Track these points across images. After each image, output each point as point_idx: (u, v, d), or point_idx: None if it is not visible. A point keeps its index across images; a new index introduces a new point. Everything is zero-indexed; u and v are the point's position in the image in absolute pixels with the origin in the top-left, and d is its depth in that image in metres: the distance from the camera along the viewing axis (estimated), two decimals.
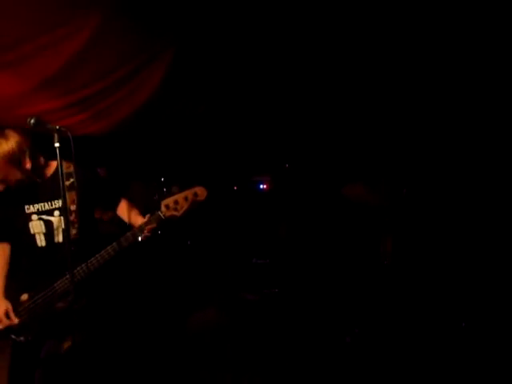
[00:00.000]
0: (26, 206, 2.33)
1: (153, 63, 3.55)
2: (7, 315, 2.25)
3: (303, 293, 5.14)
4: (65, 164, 2.33)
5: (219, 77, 4.11)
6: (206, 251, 5.76)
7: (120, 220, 2.63)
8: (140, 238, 2.36)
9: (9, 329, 2.27)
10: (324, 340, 4.01)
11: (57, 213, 2.36)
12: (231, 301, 3.89)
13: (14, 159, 2.17)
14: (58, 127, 1.99)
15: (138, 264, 4.83)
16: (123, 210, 2.57)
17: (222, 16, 3.34)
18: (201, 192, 2.40)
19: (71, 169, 2.32)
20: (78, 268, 2.25)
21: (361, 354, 3.71)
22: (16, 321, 2.25)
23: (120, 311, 3.79)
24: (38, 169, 2.33)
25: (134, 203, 2.64)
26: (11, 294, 2.32)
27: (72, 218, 2.31)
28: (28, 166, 2.25)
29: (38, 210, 2.35)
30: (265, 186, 6.34)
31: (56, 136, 1.99)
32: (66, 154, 2.05)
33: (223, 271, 4.75)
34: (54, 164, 2.42)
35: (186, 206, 2.37)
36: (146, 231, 2.33)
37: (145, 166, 5.81)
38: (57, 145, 1.99)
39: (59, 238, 2.35)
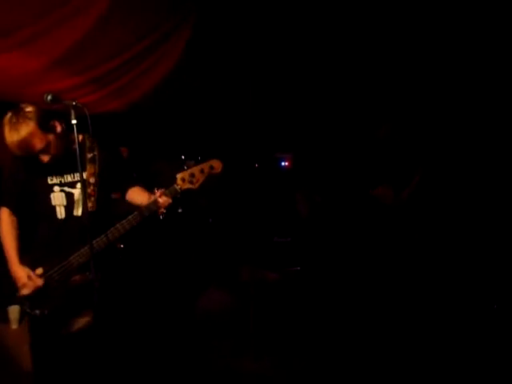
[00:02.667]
0: (49, 178, 2.33)
1: (171, 37, 3.46)
2: (30, 278, 2.24)
3: (325, 271, 5.09)
4: (88, 138, 2.37)
5: (240, 50, 4.00)
6: (227, 229, 5.74)
7: None
8: (160, 215, 2.32)
9: (24, 302, 2.27)
10: (346, 321, 3.96)
11: (79, 185, 2.33)
12: (252, 279, 3.86)
13: (45, 125, 2.15)
14: (74, 103, 1.95)
15: (158, 240, 4.84)
16: (137, 193, 2.51)
17: None
18: (217, 165, 2.39)
19: (95, 143, 2.34)
20: (98, 239, 2.24)
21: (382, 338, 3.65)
22: (40, 282, 2.24)
23: (135, 288, 3.81)
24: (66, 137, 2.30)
25: (160, 181, 2.60)
26: (26, 266, 2.30)
27: (90, 190, 2.30)
28: (59, 129, 2.25)
29: (60, 181, 2.34)
30: (287, 164, 6.26)
31: (73, 113, 1.95)
32: (85, 129, 2.02)
33: (244, 249, 4.72)
34: (78, 137, 2.39)
35: (202, 179, 2.35)
36: (161, 204, 2.29)
37: (166, 144, 5.78)
38: (74, 122, 1.97)
39: (78, 211, 2.34)
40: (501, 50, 3.49)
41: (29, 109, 2.13)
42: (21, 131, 2.07)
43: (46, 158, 2.24)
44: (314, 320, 4.06)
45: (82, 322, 2.37)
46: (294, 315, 4.21)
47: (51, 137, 2.19)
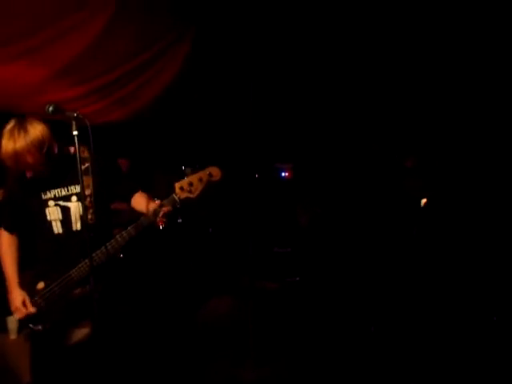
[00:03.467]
0: (43, 193, 2.29)
1: (172, 49, 3.50)
2: (24, 304, 2.23)
3: (324, 282, 5.08)
4: (82, 149, 2.28)
5: (240, 61, 4.02)
6: (227, 239, 5.73)
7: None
8: (159, 225, 2.29)
9: (26, 318, 2.26)
10: (346, 329, 3.95)
11: (74, 198, 2.31)
12: (251, 289, 3.85)
13: (42, 145, 2.13)
14: (76, 114, 1.94)
15: (159, 251, 4.84)
16: (139, 201, 2.47)
17: None
18: (215, 172, 2.32)
19: (86, 154, 2.28)
20: (98, 251, 2.21)
21: (383, 346, 3.63)
22: (33, 310, 2.23)
23: (136, 298, 3.80)
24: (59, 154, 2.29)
25: (157, 193, 2.58)
26: (28, 283, 2.30)
27: (87, 202, 2.25)
28: (56, 150, 2.22)
29: (54, 195, 2.30)
30: (287, 174, 6.26)
31: (74, 124, 1.95)
32: (82, 140, 2.01)
33: (244, 260, 4.72)
34: (69, 150, 2.37)
35: (200, 188, 2.29)
36: (160, 214, 2.25)
37: (166, 155, 5.79)
38: (75, 133, 1.94)
39: (77, 225, 2.31)
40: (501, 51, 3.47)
41: (33, 128, 2.10)
42: (17, 143, 2.04)
43: (30, 174, 2.22)
44: (312, 330, 4.04)
45: (81, 333, 2.35)
46: (293, 325, 4.19)
47: (45, 157, 2.14)
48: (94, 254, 2.19)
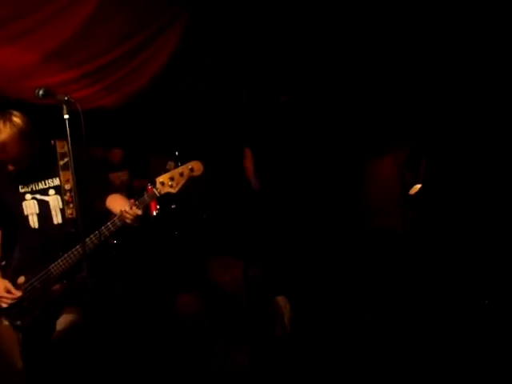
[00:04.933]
0: (20, 186, 2.29)
1: (165, 32, 3.43)
2: (8, 291, 2.22)
3: (318, 266, 5.10)
4: (59, 143, 2.32)
5: (235, 46, 3.98)
6: (221, 226, 5.72)
7: None
8: (128, 223, 2.24)
9: (5, 313, 2.26)
10: (340, 315, 3.98)
11: (52, 192, 2.30)
12: (245, 276, 3.85)
13: (28, 136, 2.11)
14: (66, 98, 1.91)
15: (153, 237, 4.83)
16: (113, 200, 2.45)
17: None
18: (197, 167, 2.30)
19: (65, 148, 2.27)
20: (78, 246, 2.19)
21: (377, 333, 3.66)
22: (19, 294, 2.21)
23: (127, 286, 3.81)
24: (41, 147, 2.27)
25: (148, 181, 2.57)
26: (8, 276, 2.28)
27: (67, 197, 2.26)
28: (36, 147, 2.21)
29: (31, 189, 2.29)
30: None
31: (65, 107, 1.92)
32: (61, 134, 1.98)
33: (238, 246, 4.73)
34: (49, 143, 2.37)
35: (181, 182, 2.28)
36: (129, 221, 2.21)
37: (160, 141, 5.75)
38: (66, 116, 1.91)
39: (58, 218, 2.30)
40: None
41: (17, 118, 2.09)
42: (3, 134, 2.04)
43: (11, 168, 2.19)
44: (306, 314, 4.06)
45: (65, 321, 2.35)
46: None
47: (26, 152, 2.14)
48: (73, 249, 2.18)
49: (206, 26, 3.58)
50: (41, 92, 1.94)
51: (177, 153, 5.23)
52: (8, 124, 2.05)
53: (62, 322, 2.33)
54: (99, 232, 2.21)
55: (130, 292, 2.65)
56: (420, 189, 4.43)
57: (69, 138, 1.92)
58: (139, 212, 2.22)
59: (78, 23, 2.82)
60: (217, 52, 4.07)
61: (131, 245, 4.15)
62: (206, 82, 4.57)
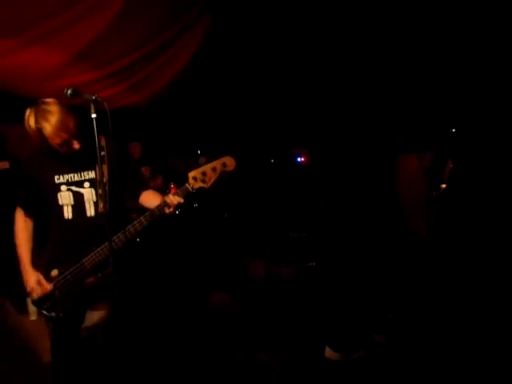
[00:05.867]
0: (56, 176, 2.28)
1: (189, 32, 3.46)
2: (39, 283, 2.25)
3: (340, 267, 5.06)
4: (98, 136, 2.30)
5: (257, 44, 3.97)
6: (242, 224, 5.74)
7: None
8: (166, 212, 2.25)
9: (40, 304, 2.28)
10: (362, 316, 3.94)
11: (87, 184, 2.30)
12: (267, 274, 3.86)
13: (73, 111, 2.12)
14: (94, 97, 1.94)
15: (175, 236, 4.86)
16: (148, 196, 2.45)
17: None
18: (229, 162, 2.26)
19: (103, 142, 2.27)
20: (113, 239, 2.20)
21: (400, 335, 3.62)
22: (49, 287, 2.24)
23: (152, 283, 3.83)
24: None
25: (171, 177, 2.56)
26: (42, 267, 2.31)
27: (101, 190, 2.25)
28: (83, 122, 2.18)
29: (67, 180, 2.29)
30: (303, 159, 6.21)
31: (92, 106, 1.94)
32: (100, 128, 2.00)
33: (259, 245, 4.73)
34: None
35: (214, 177, 2.25)
36: (168, 211, 2.23)
37: (181, 138, 5.79)
38: (93, 115, 1.94)
39: (91, 211, 2.30)
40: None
41: (51, 99, 2.10)
42: (53, 115, 2.05)
43: (77, 146, 2.18)
44: (327, 315, 4.04)
45: (97, 316, 2.38)
46: (308, 310, 4.20)
47: (80, 128, 2.14)
48: (106, 243, 2.19)
49: (228, 26, 3.58)
50: (69, 92, 1.96)
51: (199, 151, 5.25)
52: (51, 105, 2.06)
53: (92, 317, 2.36)
54: (134, 224, 2.23)
55: (155, 288, 2.66)
56: (445, 189, 4.36)
57: (96, 137, 1.95)
58: (181, 200, 2.24)
59: (103, 24, 2.86)
60: (239, 52, 4.07)
61: (154, 243, 4.18)
62: (229, 81, 4.58)
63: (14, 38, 2.81)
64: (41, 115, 2.06)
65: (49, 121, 2.05)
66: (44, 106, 2.07)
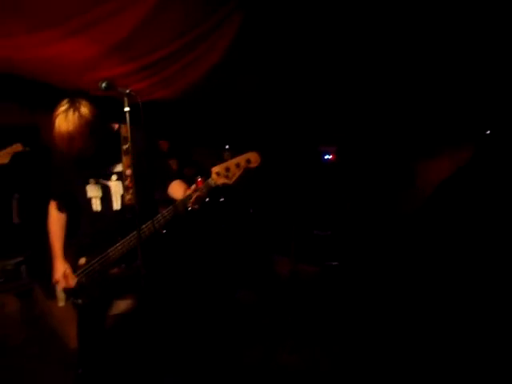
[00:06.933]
0: (84, 170, 2.30)
1: (220, 29, 3.45)
2: (64, 277, 2.31)
3: (363, 267, 5.02)
4: (123, 127, 2.30)
5: (288, 42, 3.95)
6: (267, 221, 5.74)
7: None
8: (189, 208, 2.23)
9: (68, 291, 2.35)
10: (385, 319, 3.90)
11: (114, 177, 2.32)
12: (291, 272, 3.86)
13: (93, 127, 2.09)
14: (128, 91, 1.96)
15: (200, 229, 4.89)
16: (176, 188, 2.43)
17: None
18: (254, 158, 2.19)
19: (128, 134, 2.20)
20: (134, 232, 2.20)
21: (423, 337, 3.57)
22: (72, 284, 2.30)
23: (176, 278, 3.86)
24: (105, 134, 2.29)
25: (197, 170, 2.56)
26: (71, 257, 2.37)
27: (127, 182, 2.26)
28: (103, 131, 2.20)
29: (95, 173, 2.31)
30: (330, 157, 6.16)
31: (126, 100, 1.97)
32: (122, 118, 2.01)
33: (284, 242, 4.72)
34: (113, 127, 2.37)
35: (238, 174, 2.19)
36: (193, 199, 2.20)
37: (210, 133, 5.81)
38: (127, 109, 1.96)
39: (117, 204, 2.32)
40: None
41: (85, 108, 2.07)
42: (71, 125, 2.02)
43: (76, 156, 2.16)
44: (351, 315, 4.01)
45: (123, 305, 2.41)
46: (332, 309, 4.18)
47: (92, 143, 2.11)
48: (131, 235, 2.23)
49: (260, 22, 3.57)
50: (103, 85, 1.98)
51: (227, 146, 5.26)
52: (76, 114, 2.04)
53: (119, 306, 2.40)
54: (158, 218, 2.24)
55: (181, 282, 2.68)
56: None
57: (129, 131, 1.97)
58: (202, 194, 2.22)
59: (140, 17, 2.89)
60: (269, 50, 4.05)
61: (179, 236, 4.22)
62: (258, 77, 4.57)
63: (56, 27, 2.85)
64: (62, 116, 2.05)
65: (59, 126, 2.04)
66: (72, 110, 2.06)
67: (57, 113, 2.05)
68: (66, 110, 2.04)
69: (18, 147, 2.89)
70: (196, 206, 2.23)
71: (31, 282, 4.17)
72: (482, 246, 4.03)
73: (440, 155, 4.94)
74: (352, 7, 3.54)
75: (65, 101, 2.07)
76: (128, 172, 2.27)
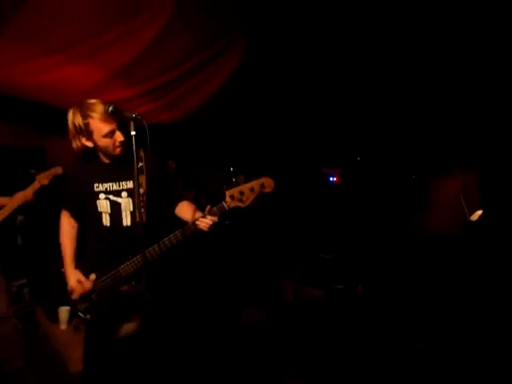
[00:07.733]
0: (96, 184, 2.33)
1: (223, 55, 3.51)
2: (79, 282, 2.29)
3: (368, 290, 4.96)
4: (137, 149, 2.35)
5: (291, 66, 3.99)
6: (272, 243, 5.71)
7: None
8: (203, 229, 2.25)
9: (77, 306, 2.32)
10: (391, 344, 3.83)
11: (124, 194, 2.33)
12: (296, 295, 3.82)
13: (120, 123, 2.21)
14: (134, 115, 1.98)
15: (205, 251, 4.87)
16: (183, 209, 2.47)
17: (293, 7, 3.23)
18: (268, 183, 2.21)
19: (141, 153, 2.31)
20: (148, 249, 2.22)
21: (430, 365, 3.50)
22: (89, 287, 2.28)
23: (182, 299, 3.82)
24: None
25: (203, 193, 2.58)
26: (81, 270, 2.36)
27: (138, 201, 2.25)
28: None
29: (106, 189, 2.33)
30: (335, 179, 6.16)
31: (132, 124, 1.98)
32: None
33: (289, 264, 4.69)
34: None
35: (251, 198, 2.21)
36: (203, 226, 2.23)
37: (214, 155, 5.83)
38: (133, 133, 1.98)
39: (127, 221, 2.32)
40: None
41: (95, 101, 2.18)
42: (97, 108, 2.13)
43: (107, 146, 2.24)
44: (356, 339, 3.95)
45: (130, 327, 2.38)
46: (337, 332, 4.11)
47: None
48: (138, 256, 2.22)
49: (263, 49, 3.62)
50: (110, 108, 2.01)
51: (232, 168, 5.27)
52: (95, 101, 2.17)
53: (126, 328, 2.37)
54: (168, 239, 2.25)
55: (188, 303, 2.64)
56: (481, 215, 4.24)
57: (134, 153, 1.98)
58: (215, 219, 2.23)
59: (143, 44, 2.96)
60: (272, 75, 4.10)
61: (184, 258, 4.21)
62: (262, 101, 4.61)
63: (60, 53, 2.93)
64: (87, 107, 2.15)
65: (96, 110, 2.13)
66: (88, 102, 2.17)
67: (73, 110, 2.17)
68: (81, 105, 2.16)
69: (58, 170, 2.95)
70: (208, 229, 2.24)
71: (34, 305, 4.14)
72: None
73: (449, 176, 4.92)
74: (358, 29, 3.58)
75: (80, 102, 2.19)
76: (140, 191, 2.28)
